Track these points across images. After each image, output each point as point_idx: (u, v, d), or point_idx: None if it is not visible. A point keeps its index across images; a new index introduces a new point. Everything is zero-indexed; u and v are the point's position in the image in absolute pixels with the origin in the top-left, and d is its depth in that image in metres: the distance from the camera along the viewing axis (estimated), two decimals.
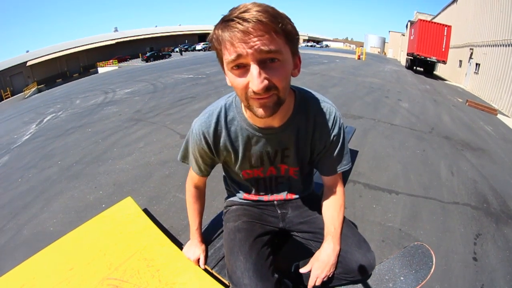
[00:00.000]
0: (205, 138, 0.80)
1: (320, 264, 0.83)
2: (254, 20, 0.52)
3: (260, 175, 0.93)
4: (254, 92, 0.58)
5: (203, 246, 1.03)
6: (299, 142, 0.83)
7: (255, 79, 0.56)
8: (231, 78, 0.61)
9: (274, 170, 0.91)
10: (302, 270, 0.87)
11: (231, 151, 0.83)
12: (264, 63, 0.57)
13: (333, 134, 0.83)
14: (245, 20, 0.52)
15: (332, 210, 0.92)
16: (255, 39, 0.53)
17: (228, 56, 0.56)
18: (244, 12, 0.53)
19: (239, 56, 0.55)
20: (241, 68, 0.58)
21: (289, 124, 0.79)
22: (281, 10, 0.58)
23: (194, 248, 1.02)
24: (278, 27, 0.55)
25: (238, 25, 0.53)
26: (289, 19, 0.59)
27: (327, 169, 0.91)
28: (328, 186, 0.95)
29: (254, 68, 0.56)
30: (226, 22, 0.55)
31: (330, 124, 0.82)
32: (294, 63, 0.65)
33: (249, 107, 0.64)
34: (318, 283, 0.83)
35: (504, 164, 3.50)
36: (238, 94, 0.63)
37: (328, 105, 0.82)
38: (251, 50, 0.54)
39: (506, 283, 1.59)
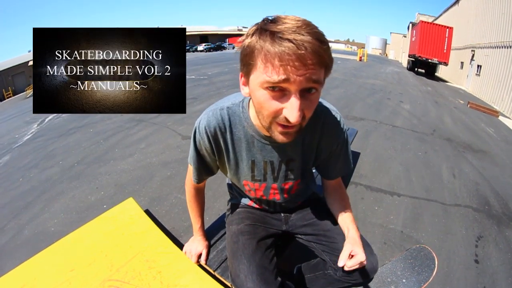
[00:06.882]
0: (207, 136, 0.75)
1: (356, 244, 0.75)
2: (311, 50, 0.49)
3: (263, 197, 0.90)
4: (287, 120, 0.55)
5: (206, 243, 1.03)
6: (305, 153, 0.81)
7: (295, 110, 0.53)
8: (260, 97, 0.55)
9: (277, 193, 0.89)
10: (347, 262, 0.72)
11: (233, 155, 0.80)
12: (303, 92, 0.54)
13: (338, 141, 0.82)
14: (302, 45, 0.48)
15: (344, 213, 0.87)
16: (309, 69, 0.50)
17: (271, 74, 0.51)
18: (296, 32, 0.49)
19: (285, 79, 0.50)
20: (278, 91, 0.53)
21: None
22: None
23: (197, 244, 1.02)
24: (327, 61, 0.53)
25: (295, 48, 0.48)
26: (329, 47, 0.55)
27: (329, 174, 0.90)
28: (331, 187, 0.95)
29: (296, 99, 0.53)
30: (277, 38, 0.49)
31: (335, 132, 0.80)
32: None
33: (269, 129, 0.61)
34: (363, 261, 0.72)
35: (506, 166, 3.49)
36: (264, 114, 0.58)
37: (333, 113, 0.79)
38: (302, 77, 0.50)
39: (507, 285, 1.59)
